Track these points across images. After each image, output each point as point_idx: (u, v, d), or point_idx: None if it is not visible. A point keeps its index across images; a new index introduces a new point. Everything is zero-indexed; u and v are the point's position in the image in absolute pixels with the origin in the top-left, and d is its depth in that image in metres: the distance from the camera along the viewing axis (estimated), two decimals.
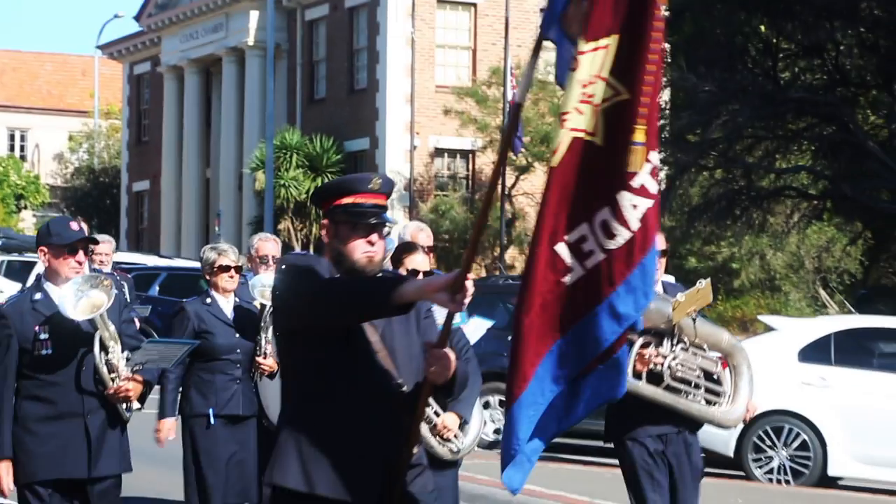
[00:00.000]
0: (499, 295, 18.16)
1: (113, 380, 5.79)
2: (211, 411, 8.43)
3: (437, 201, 38.44)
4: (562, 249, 4.44)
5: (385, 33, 40.15)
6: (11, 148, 61.82)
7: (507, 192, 34.78)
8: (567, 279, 4.49)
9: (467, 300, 4.29)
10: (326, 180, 38.61)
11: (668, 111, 30.07)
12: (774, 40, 27.02)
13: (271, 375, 8.66)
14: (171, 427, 8.89)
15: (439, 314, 7.73)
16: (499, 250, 35.77)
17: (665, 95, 30.88)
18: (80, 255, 6.02)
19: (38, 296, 6.07)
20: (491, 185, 4.92)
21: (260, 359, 8.44)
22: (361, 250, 4.44)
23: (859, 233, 29.33)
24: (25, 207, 56.30)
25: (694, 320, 6.94)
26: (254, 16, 42.39)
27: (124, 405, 6.21)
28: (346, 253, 4.45)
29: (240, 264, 8.46)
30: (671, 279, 11.80)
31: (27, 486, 5.88)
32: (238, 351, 8.36)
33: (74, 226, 5.90)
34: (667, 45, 29.75)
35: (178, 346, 6.84)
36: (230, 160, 44.27)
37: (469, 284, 4.18)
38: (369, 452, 4.48)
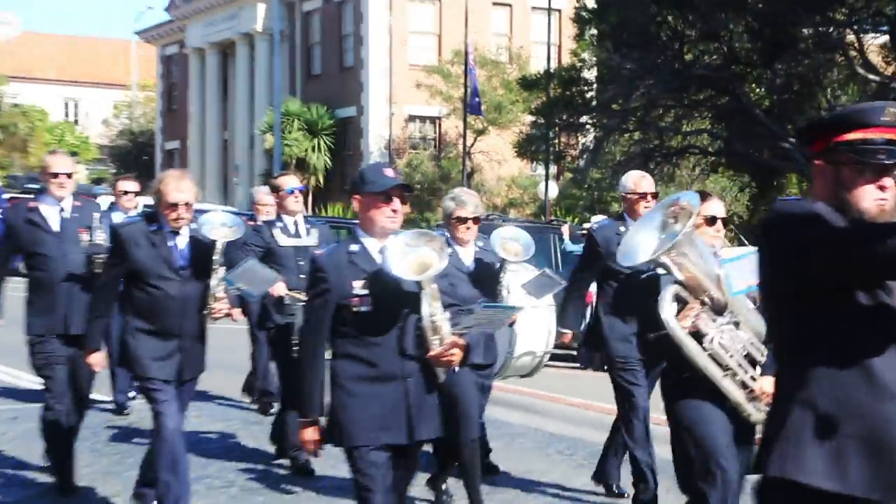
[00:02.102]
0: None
1: (436, 343, 4.67)
2: None
3: (410, 157, 38.16)
4: None
5: (367, 22, 39.77)
6: (66, 115, 61.27)
7: (467, 151, 34.60)
8: None
9: None
10: (321, 141, 39.53)
11: (595, 85, 29.88)
12: (680, 28, 26.53)
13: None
14: None
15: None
16: None
17: (594, 72, 30.84)
18: (396, 203, 4.77)
19: (354, 247, 4.81)
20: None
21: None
22: (872, 197, 3.09)
23: (747, 183, 29.32)
24: (79, 163, 53.68)
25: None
26: (261, 8, 42.21)
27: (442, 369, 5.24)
28: (852, 200, 3.09)
29: (478, 215, 7.08)
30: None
31: (353, 448, 4.77)
32: (479, 302, 6.80)
33: (389, 172, 4.75)
34: (595, 31, 29.53)
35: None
36: (244, 124, 44.21)
37: None
38: None
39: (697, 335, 4.91)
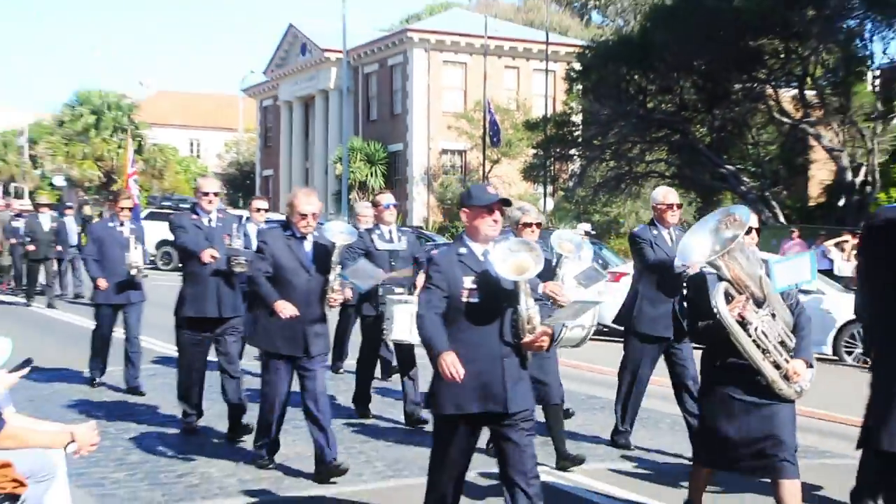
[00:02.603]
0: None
1: (529, 331, 4.44)
2: None
3: (442, 180, 37.92)
4: None
5: (412, 80, 39.85)
6: (191, 151, 61.06)
7: (486, 175, 34.64)
8: None
9: None
10: (377, 169, 39.70)
11: (581, 127, 30.30)
12: (644, 84, 26.95)
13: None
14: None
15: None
16: None
17: (580, 117, 31.18)
18: (497, 215, 4.55)
19: (462, 250, 4.57)
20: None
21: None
22: None
23: (694, 198, 29.33)
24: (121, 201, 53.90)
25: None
26: (333, 70, 41.90)
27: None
28: None
29: (539, 220, 6.75)
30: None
31: (442, 416, 4.57)
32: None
33: (491, 190, 4.59)
34: (580, 87, 30.11)
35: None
36: (321, 157, 43.92)
37: None
38: None
39: (743, 323, 4.76)
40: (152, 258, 22.31)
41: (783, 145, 28.52)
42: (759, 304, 4.86)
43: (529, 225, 6.44)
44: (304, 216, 6.11)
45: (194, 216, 7.42)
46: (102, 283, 9.09)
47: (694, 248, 4.96)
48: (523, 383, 4.51)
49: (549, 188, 33.22)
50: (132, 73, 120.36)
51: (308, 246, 6.23)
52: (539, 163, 31.97)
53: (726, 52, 24.07)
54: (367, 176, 38.63)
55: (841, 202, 25.46)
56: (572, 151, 31.04)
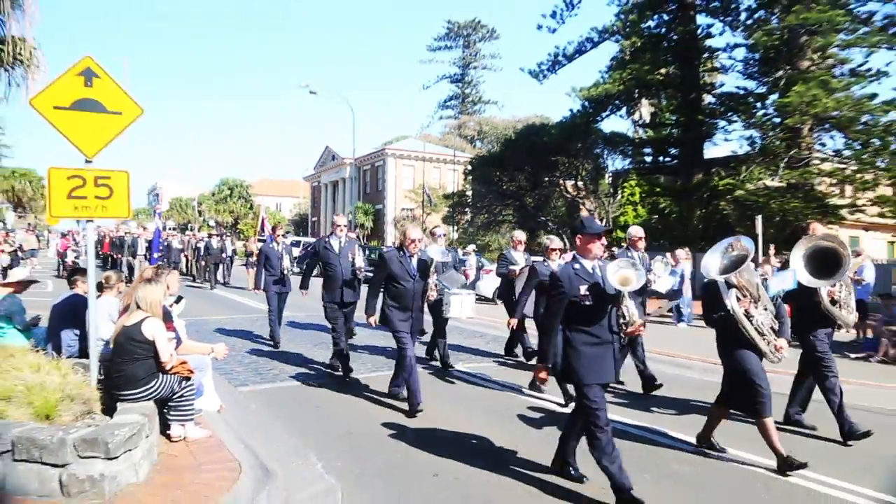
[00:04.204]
0: None
1: (627, 324, 4.06)
2: None
3: (401, 223, 37.80)
4: None
5: (386, 174, 41.80)
6: (275, 207, 61.88)
7: (423, 221, 35.41)
8: None
9: None
10: (370, 218, 40.85)
11: (471, 199, 31.84)
12: (504, 177, 28.50)
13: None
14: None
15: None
16: None
17: (471, 193, 32.72)
18: (603, 240, 4.04)
19: (577, 266, 4.06)
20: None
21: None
22: None
23: (528, 235, 26.96)
24: (283, 226, 57.12)
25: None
26: (348, 168, 44.16)
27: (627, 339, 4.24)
28: None
29: (561, 246, 6.19)
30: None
31: (586, 385, 4.00)
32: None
33: (598, 222, 4.00)
34: (471, 178, 31.26)
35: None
36: (341, 211, 44.17)
37: None
38: None
39: (747, 315, 4.44)
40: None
41: (567, 208, 29.70)
42: (756, 302, 4.48)
43: (555, 250, 6.11)
44: (413, 241, 5.72)
45: (327, 240, 6.89)
46: (268, 280, 8.47)
47: (711, 266, 4.48)
48: (621, 361, 4.09)
49: (455, 227, 35.04)
50: (248, 168, 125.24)
51: (414, 262, 5.73)
52: (450, 214, 33.65)
53: (540, 161, 25.74)
54: (364, 221, 40.22)
55: None
56: (466, 210, 33.02)
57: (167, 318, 4.83)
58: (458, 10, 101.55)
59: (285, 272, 8.73)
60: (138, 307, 4.47)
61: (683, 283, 10.91)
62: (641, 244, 6.49)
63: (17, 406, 3.85)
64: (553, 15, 24.30)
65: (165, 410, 4.54)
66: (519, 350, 7.86)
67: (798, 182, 18.94)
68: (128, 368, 4.39)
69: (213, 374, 5.50)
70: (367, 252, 13.06)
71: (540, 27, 25.06)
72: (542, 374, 4.01)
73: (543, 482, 4.15)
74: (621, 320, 4.02)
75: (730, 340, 4.52)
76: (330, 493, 3.97)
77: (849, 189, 19.72)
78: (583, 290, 3.93)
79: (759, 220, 15.13)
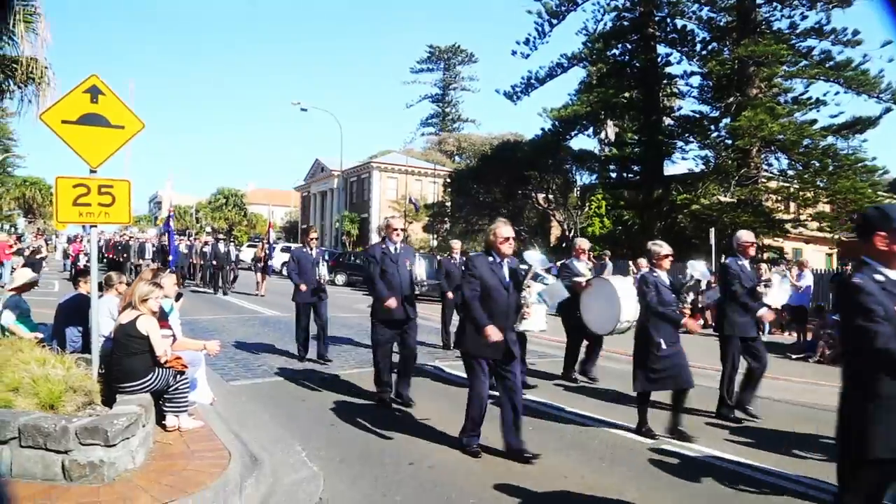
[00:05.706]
0: None
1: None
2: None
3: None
4: None
5: (371, 185, 41.41)
6: (269, 216, 58.63)
7: (405, 229, 30.32)
8: None
9: None
10: (356, 226, 40.46)
11: (451, 208, 31.64)
12: (481, 190, 28.68)
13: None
14: None
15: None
16: None
17: (450, 203, 32.82)
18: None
19: (880, 277, 2.43)
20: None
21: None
22: None
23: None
24: (275, 232, 56.76)
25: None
26: (336, 180, 43.52)
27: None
28: None
29: (671, 252, 5.06)
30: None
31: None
32: (672, 307, 4.52)
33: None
34: (451, 189, 31.43)
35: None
36: (329, 221, 45.55)
37: None
38: None
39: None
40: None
41: (538, 219, 29.85)
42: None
43: (667, 256, 5.06)
44: (506, 238, 4.52)
45: (384, 245, 5.77)
46: (304, 287, 7.37)
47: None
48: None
49: (435, 236, 34.41)
50: (242, 178, 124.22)
51: (506, 268, 4.54)
52: (430, 224, 33.84)
53: (514, 175, 25.74)
54: (350, 229, 39.85)
55: (564, 244, 26.81)
56: (446, 219, 33.06)
57: (163, 316, 4.89)
58: (439, 35, 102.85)
59: (321, 281, 7.44)
60: (134, 306, 4.57)
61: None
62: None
63: (24, 396, 3.94)
64: (527, 42, 24.48)
65: (161, 402, 4.59)
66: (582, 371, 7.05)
67: (747, 198, 20.41)
68: (126, 363, 4.44)
69: (206, 369, 5.54)
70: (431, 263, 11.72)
71: (514, 53, 25.21)
72: None
73: (509, 467, 4.29)
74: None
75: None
76: (313, 478, 4.05)
77: (792, 205, 21.23)
78: None
79: (712, 232, 15.63)
